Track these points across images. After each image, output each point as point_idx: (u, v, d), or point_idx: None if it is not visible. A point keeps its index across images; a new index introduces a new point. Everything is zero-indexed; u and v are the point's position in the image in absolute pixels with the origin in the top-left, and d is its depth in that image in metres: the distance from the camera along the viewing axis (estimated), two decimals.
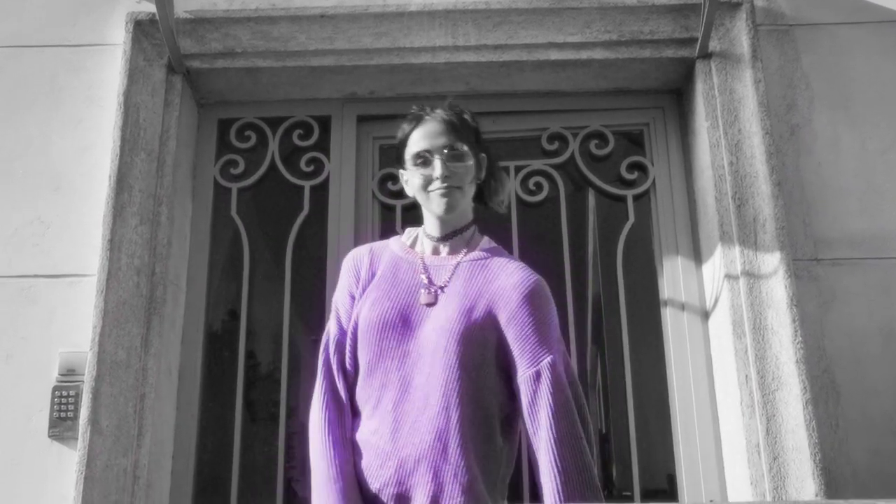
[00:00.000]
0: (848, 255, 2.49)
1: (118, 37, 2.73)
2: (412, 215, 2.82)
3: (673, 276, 2.69)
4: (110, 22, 2.77)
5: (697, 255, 2.69)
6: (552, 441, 1.53)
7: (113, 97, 2.67)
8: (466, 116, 1.76)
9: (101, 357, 2.39)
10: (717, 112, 2.61)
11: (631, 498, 2.53)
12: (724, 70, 2.65)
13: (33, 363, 2.46)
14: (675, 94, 2.87)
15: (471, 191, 1.75)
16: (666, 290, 2.68)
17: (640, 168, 2.82)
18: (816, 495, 2.19)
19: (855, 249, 2.50)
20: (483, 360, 1.59)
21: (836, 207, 2.54)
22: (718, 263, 2.51)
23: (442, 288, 1.68)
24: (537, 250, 2.75)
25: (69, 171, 2.64)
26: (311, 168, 2.83)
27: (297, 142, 2.87)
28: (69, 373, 2.43)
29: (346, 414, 1.64)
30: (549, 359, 1.58)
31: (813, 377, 2.36)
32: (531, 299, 1.63)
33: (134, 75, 2.66)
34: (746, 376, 2.36)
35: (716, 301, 2.54)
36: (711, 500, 2.44)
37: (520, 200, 2.78)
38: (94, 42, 2.76)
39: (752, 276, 2.43)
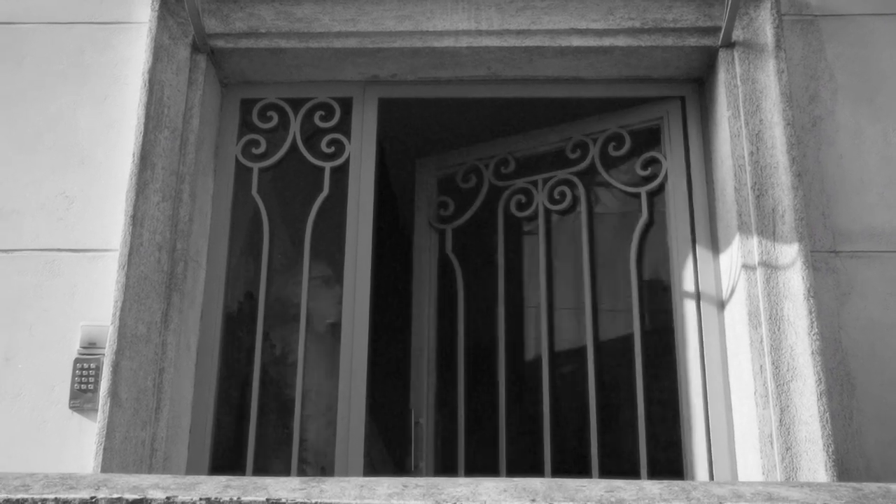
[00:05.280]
0: (866, 248, 2.48)
1: (144, 15, 2.75)
2: None
3: (690, 265, 2.69)
4: (136, 0, 2.79)
5: (715, 245, 2.68)
6: None
7: (138, 75, 2.70)
8: None
9: (122, 331, 2.42)
10: (739, 102, 2.60)
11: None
12: (746, 60, 2.63)
13: (55, 335, 2.49)
14: (696, 83, 2.86)
15: None
16: (682, 279, 2.68)
17: (657, 162, 2.84)
18: None
19: (874, 242, 2.49)
20: None
21: (856, 200, 2.52)
22: (736, 253, 2.51)
23: None
24: (563, 254, 2.88)
25: (94, 147, 2.67)
26: (332, 150, 2.85)
27: (318, 123, 2.89)
28: (90, 346, 2.47)
29: None
30: None
31: (828, 369, 2.36)
32: None
33: (159, 53, 2.68)
34: (761, 366, 2.36)
35: (732, 291, 2.54)
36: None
37: (546, 210, 2.96)
38: (120, 20, 2.79)
39: (770, 266, 2.43)
